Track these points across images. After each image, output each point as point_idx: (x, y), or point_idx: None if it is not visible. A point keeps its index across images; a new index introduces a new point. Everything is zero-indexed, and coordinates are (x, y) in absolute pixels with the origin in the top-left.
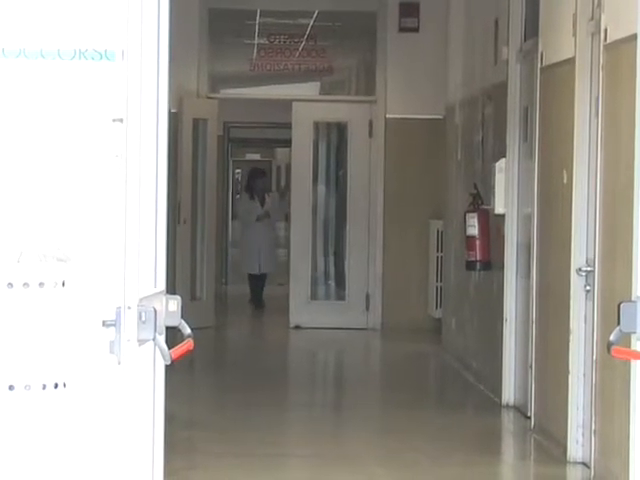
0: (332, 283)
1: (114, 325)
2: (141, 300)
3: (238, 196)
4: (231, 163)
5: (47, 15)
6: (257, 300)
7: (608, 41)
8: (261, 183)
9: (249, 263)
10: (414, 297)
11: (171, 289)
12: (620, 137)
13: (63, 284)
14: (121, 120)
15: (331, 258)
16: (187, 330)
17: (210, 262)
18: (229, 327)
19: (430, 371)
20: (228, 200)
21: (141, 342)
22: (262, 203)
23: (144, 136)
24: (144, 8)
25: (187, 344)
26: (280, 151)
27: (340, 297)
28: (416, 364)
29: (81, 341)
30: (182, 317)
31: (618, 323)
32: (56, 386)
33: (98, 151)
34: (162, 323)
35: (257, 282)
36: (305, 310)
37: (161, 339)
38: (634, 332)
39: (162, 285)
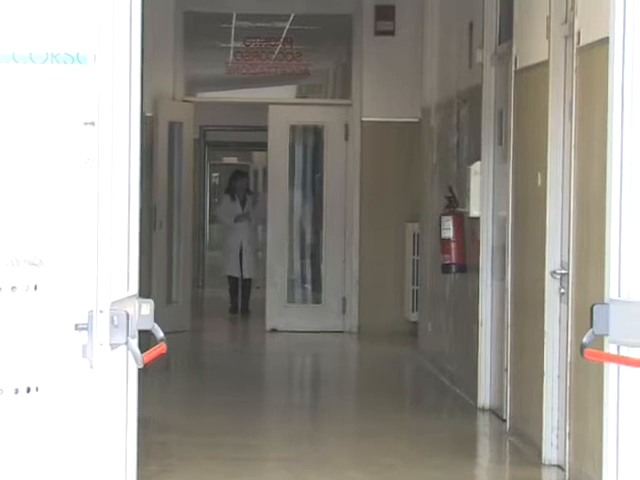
0: (309, 286)
1: (86, 329)
2: (113, 304)
3: (217, 200)
4: (208, 167)
5: (19, 19)
6: (243, 306)
7: (581, 44)
8: (242, 183)
9: (230, 265)
10: (390, 300)
11: (146, 293)
12: (594, 140)
13: (35, 288)
14: (93, 123)
15: (308, 261)
16: (160, 334)
17: (186, 265)
18: (205, 331)
19: (406, 374)
20: (205, 204)
21: (113, 346)
22: (243, 204)
23: (116, 139)
24: (116, 12)
25: (160, 348)
26: (257, 154)
27: (317, 300)
28: (392, 367)
29: (53, 345)
30: (156, 321)
31: (591, 325)
32: (28, 390)
33: (70, 154)
34: (135, 327)
35: (238, 287)
36: (282, 313)
37: (134, 343)
38: (607, 334)
39: (134, 289)
